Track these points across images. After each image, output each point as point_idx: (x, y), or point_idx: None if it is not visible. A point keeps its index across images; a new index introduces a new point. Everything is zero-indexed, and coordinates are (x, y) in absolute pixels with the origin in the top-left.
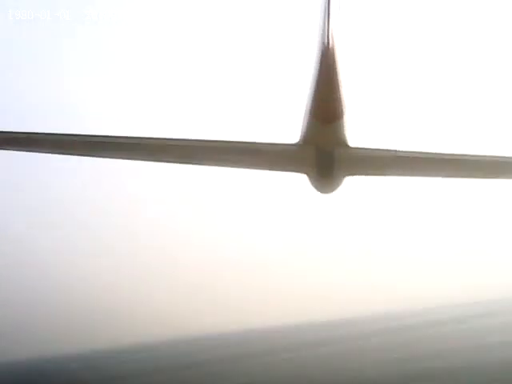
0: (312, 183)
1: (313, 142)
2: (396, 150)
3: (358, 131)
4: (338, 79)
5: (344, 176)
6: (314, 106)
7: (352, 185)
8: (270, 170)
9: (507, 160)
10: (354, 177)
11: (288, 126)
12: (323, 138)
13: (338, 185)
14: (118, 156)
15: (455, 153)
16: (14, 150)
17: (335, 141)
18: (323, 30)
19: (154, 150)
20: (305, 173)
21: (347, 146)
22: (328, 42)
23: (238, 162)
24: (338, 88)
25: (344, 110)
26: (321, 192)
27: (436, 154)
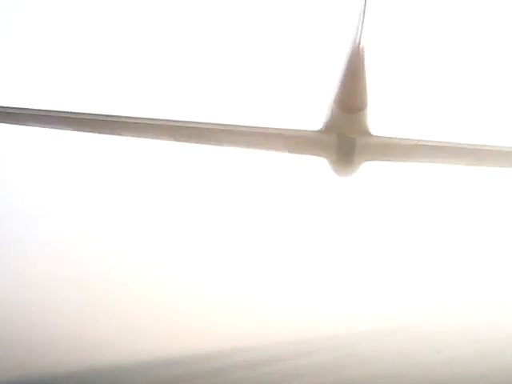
0: (331, 167)
1: (336, 130)
2: (418, 140)
3: (381, 120)
4: (364, 75)
5: (364, 162)
6: (339, 97)
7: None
8: (290, 153)
9: None
10: (374, 163)
11: (308, 113)
12: (346, 126)
13: (357, 169)
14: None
15: (476, 143)
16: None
17: (358, 129)
18: (357, 29)
19: (173, 131)
20: (325, 158)
21: (370, 134)
22: (360, 41)
23: (259, 146)
24: (364, 82)
25: (368, 101)
26: (339, 175)
27: (457, 143)
